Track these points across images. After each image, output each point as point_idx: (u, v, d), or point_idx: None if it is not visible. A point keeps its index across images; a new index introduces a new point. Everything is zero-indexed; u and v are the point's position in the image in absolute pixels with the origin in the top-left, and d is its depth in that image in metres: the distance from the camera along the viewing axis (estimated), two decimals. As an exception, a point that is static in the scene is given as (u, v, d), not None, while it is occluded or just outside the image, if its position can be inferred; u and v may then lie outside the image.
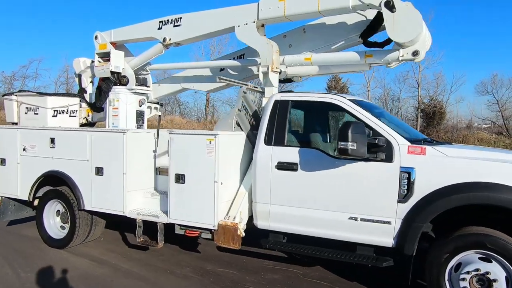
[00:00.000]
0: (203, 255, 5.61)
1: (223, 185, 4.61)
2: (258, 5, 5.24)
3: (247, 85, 5.21)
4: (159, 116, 7.65)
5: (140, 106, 6.86)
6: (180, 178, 4.76)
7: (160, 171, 5.72)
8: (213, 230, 4.64)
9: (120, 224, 6.43)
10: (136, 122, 6.75)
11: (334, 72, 6.03)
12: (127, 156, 5.18)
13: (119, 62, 6.45)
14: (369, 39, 5.15)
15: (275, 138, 4.56)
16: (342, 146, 3.72)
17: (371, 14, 5.04)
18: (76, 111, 7.60)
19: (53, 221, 6.05)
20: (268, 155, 4.54)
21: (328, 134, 5.39)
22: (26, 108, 7.24)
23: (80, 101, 7.47)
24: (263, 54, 5.21)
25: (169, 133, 4.88)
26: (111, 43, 6.73)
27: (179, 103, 35.69)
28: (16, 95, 7.42)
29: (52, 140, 5.80)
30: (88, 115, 7.86)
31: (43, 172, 5.87)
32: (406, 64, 26.13)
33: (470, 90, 41.55)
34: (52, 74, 58.96)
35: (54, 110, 7.11)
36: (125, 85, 6.56)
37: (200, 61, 6.66)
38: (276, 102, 4.71)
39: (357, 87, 36.45)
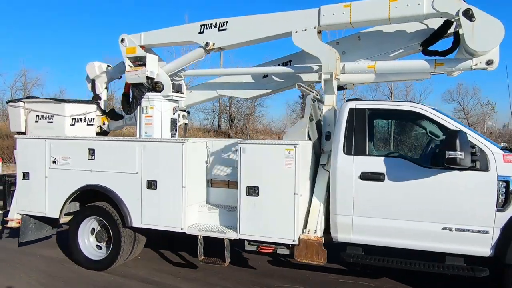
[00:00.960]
0: (260, 270, 5.32)
1: (302, 197, 4.40)
2: (320, 10, 5.11)
3: (312, 92, 5.04)
4: (185, 124, 7.30)
5: (174, 113, 6.50)
6: (253, 191, 4.48)
7: (212, 183, 5.38)
8: (290, 245, 4.41)
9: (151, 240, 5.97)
10: (170, 131, 6.37)
11: (391, 80, 6.01)
12: (186, 168, 4.81)
13: (154, 67, 6.05)
14: (429, 48, 5.16)
15: (355, 148, 4.43)
16: (451, 156, 3.65)
17: (433, 23, 5.07)
18: (93, 119, 7.09)
19: (88, 241, 5.50)
20: (349, 165, 4.39)
21: (409, 143, 5.33)
22: (37, 116, 6.62)
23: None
24: (325, 61, 5.07)
25: (240, 143, 4.59)
26: (140, 46, 6.31)
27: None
28: (23, 102, 6.78)
29: (92, 152, 5.28)
30: (104, 123, 7.35)
31: (80, 187, 5.32)
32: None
33: (438, 99, 43.80)
34: (7, 79, 55.10)
35: (72, 118, 6.57)
36: (160, 91, 6.17)
37: (242, 67, 6.27)
38: (352, 110, 4.57)
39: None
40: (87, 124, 6.94)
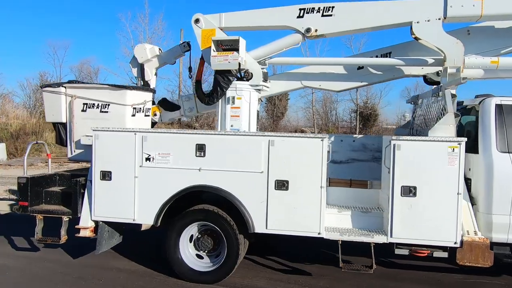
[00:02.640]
0: (380, 273, 4.99)
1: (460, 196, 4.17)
2: (446, 1, 4.88)
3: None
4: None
5: (259, 105, 5.92)
6: (409, 191, 4.16)
7: (330, 182, 4.95)
8: (449, 248, 4.18)
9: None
10: (256, 124, 5.79)
11: (500, 76, 5.95)
12: (325, 166, 4.33)
13: (243, 52, 5.42)
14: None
15: (509, 145, 4.30)
16: None
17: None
18: (150, 109, 6.27)
19: (188, 250, 4.78)
20: (506, 163, 4.25)
21: None
22: (85, 104, 5.69)
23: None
24: (451, 54, 4.87)
25: (393, 140, 4.23)
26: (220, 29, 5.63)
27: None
28: (65, 87, 5.78)
29: (201, 147, 4.55)
30: (155, 114, 6.55)
31: (183, 188, 4.58)
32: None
33: (396, 96, 45.78)
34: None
35: (133, 108, 5.74)
36: (248, 80, 5.55)
37: (337, 58, 5.79)
38: (499, 106, 4.44)
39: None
40: (145, 115, 6.12)
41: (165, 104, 6.53)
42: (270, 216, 4.43)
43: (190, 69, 6.63)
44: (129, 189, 4.71)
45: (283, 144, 4.40)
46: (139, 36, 29.12)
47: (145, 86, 6.35)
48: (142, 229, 5.12)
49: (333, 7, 5.26)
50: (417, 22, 4.97)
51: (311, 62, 5.97)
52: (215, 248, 4.79)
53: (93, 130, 4.83)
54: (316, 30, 5.33)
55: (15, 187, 5.68)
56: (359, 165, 5.54)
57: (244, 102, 5.54)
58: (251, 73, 5.53)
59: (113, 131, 4.85)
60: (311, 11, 5.33)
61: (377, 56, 5.76)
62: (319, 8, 5.29)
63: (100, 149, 4.81)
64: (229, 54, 5.32)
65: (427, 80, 5.83)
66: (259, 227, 4.46)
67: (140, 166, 4.69)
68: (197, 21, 5.63)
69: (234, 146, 4.50)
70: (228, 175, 4.50)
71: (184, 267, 4.68)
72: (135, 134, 4.73)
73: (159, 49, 6.54)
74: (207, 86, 6.48)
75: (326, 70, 5.96)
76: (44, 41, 59.56)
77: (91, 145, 5.63)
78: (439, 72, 5.48)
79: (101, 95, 5.72)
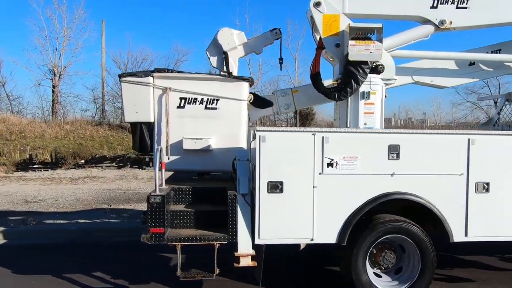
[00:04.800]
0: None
1: None
2: None
3: None
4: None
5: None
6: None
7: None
8: None
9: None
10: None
11: None
12: (524, 166, 4.07)
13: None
14: None
15: None
16: None
17: None
18: (247, 105, 5.35)
19: (369, 269, 4.08)
20: None
21: None
22: (182, 99, 4.68)
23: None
24: None
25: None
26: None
27: (9, 97, 27.18)
28: (152, 76, 4.67)
29: (395, 149, 3.91)
30: (244, 112, 5.62)
31: (372, 197, 3.89)
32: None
33: None
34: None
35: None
36: (379, 73, 5.03)
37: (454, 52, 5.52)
38: None
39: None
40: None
41: (257, 101, 5.59)
42: (471, 222, 4.01)
43: (281, 59, 5.81)
44: (307, 202, 3.84)
45: (486, 143, 4.01)
46: (54, 25, 25.62)
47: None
48: (300, 248, 4.24)
49: (468, -2, 5.04)
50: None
51: (432, 56, 5.58)
52: (394, 264, 4.18)
53: (257, 131, 3.80)
54: (451, 23, 5.05)
55: None
56: None
57: (377, 98, 5.00)
58: (383, 66, 5.01)
59: (284, 131, 3.91)
60: (446, 1, 5.04)
61: (487, 52, 5.72)
62: (454, -2, 5.03)
63: (267, 155, 3.81)
64: (371, 44, 4.74)
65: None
66: (457, 236, 4.02)
67: (319, 174, 3.84)
68: (317, 4, 4.93)
69: (430, 147, 3.97)
70: (423, 179, 3.95)
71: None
72: (313, 134, 3.85)
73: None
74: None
75: (438, 65, 5.74)
76: None
77: (195, 151, 4.59)
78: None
79: (207, 88, 4.66)
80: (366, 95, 4.93)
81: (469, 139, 3.99)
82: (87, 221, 7.16)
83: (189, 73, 4.92)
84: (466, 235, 4.02)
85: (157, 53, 46.42)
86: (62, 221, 7.11)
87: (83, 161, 16.55)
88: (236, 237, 3.82)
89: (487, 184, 4.02)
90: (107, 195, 9.72)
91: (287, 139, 3.86)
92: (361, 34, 4.78)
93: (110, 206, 8.38)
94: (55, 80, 25.69)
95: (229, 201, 3.81)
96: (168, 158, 4.72)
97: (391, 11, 5.11)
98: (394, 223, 3.98)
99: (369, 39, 4.78)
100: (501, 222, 4.05)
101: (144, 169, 15.01)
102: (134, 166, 15.71)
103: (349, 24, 4.80)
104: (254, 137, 3.84)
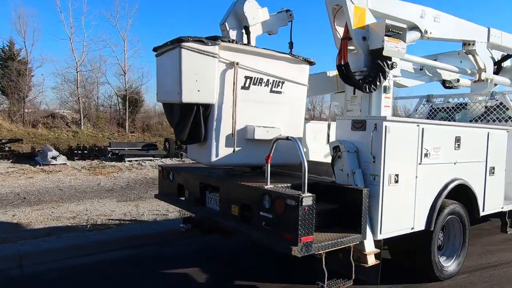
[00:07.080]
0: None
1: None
2: (489, 31, 6.77)
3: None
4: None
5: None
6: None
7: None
8: None
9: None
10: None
11: None
12: None
13: (403, 42, 5.37)
14: None
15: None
16: None
17: None
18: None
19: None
20: None
21: None
22: (247, 78, 4.18)
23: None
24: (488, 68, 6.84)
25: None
26: (366, 10, 5.32)
27: None
28: (218, 44, 3.94)
29: (458, 140, 4.43)
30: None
31: (444, 184, 4.32)
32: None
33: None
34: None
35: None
36: (392, 69, 5.49)
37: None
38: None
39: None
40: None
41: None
42: (486, 200, 4.97)
43: (291, 44, 5.47)
44: (411, 192, 3.93)
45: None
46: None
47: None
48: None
49: (439, 15, 6.06)
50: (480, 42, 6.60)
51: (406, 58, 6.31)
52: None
53: (384, 121, 3.59)
54: (430, 33, 5.96)
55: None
56: None
57: (391, 93, 5.43)
58: (397, 63, 5.47)
59: (403, 122, 3.85)
60: (427, 15, 5.91)
61: (435, 60, 6.94)
62: (431, 13, 5.95)
63: (391, 146, 3.66)
64: (398, 42, 5.13)
65: (445, 85, 7.54)
66: (481, 211, 4.91)
67: (419, 164, 3.99)
68: (348, -5, 4.97)
69: (474, 138, 4.70)
70: (468, 166, 4.64)
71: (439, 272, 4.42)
72: (417, 126, 3.95)
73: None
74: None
75: (405, 67, 6.57)
76: None
77: (260, 141, 4.02)
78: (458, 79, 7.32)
79: (274, 67, 4.12)
80: (387, 89, 5.28)
81: (488, 133, 4.92)
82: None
83: (255, 47, 4.08)
84: (483, 210, 4.97)
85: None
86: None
87: None
88: (366, 235, 3.54)
89: (493, 168, 5.06)
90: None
91: (402, 130, 3.82)
92: (392, 32, 5.08)
93: None
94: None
95: (362, 197, 3.47)
96: (234, 150, 3.86)
97: (396, 13, 5.59)
98: (454, 206, 4.52)
99: (399, 37, 5.12)
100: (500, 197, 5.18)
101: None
102: None
103: (384, 20, 5.01)
104: (375, 127, 3.63)
